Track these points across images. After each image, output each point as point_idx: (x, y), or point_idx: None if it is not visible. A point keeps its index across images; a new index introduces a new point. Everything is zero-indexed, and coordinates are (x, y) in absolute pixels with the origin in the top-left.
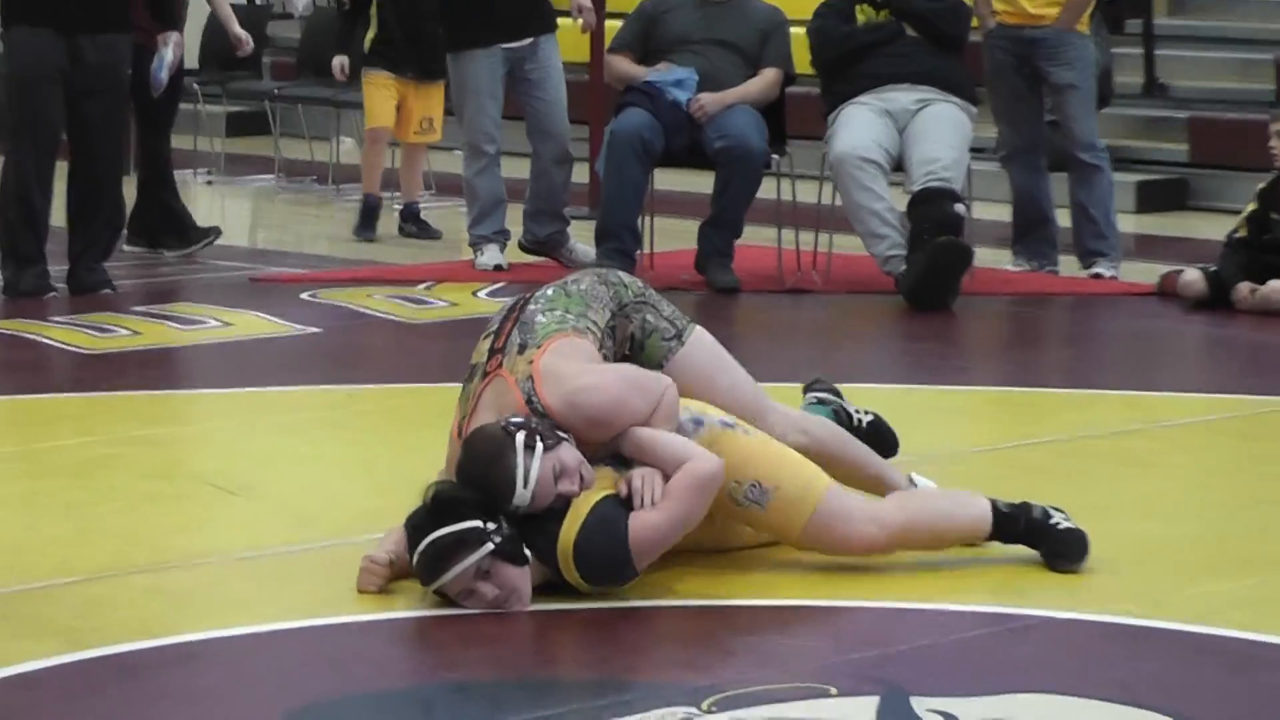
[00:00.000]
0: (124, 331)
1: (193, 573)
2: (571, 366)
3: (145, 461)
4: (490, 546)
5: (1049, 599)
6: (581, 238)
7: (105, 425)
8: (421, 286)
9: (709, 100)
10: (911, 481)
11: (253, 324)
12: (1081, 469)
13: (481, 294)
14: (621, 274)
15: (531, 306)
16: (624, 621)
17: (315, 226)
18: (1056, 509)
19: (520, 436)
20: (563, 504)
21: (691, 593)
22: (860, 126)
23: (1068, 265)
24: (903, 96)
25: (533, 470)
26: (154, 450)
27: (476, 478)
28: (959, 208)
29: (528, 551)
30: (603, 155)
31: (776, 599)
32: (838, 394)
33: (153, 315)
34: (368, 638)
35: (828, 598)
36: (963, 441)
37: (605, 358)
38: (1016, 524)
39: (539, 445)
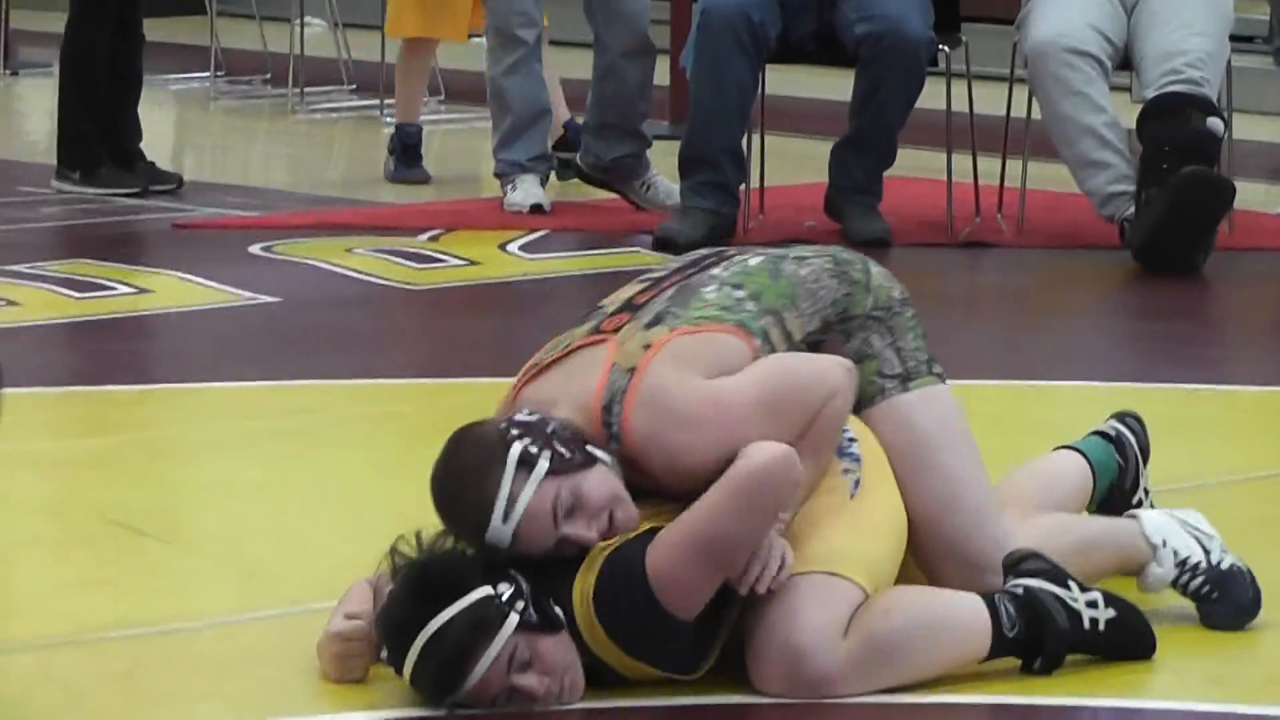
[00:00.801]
0: None
1: (94, 652)
2: (691, 382)
3: (27, 492)
4: (516, 620)
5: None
6: (663, 164)
7: None
8: (425, 237)
9: None
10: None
11: (179, 290)
12: None
13: (513, 246)
14: (877, 269)
15: (716, 270)
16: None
17: (269, 147)
18: (1084, 588)
19: (517, 448)
20: (575, 552)
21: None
22: (1070, 5)
23: None
24: None
25: (520, 499)
26: (38, 474)
27: (441, 498)
28: (1214, 123)
29: (559, 610)
30: (690, 44)
31: (941, 695)
32: (1140, 446)
33: (34, 277)
34: None
35: (1021, 693)
36: (1219, 466)
37: None
38: (1030, 644)
39: (541, 464)
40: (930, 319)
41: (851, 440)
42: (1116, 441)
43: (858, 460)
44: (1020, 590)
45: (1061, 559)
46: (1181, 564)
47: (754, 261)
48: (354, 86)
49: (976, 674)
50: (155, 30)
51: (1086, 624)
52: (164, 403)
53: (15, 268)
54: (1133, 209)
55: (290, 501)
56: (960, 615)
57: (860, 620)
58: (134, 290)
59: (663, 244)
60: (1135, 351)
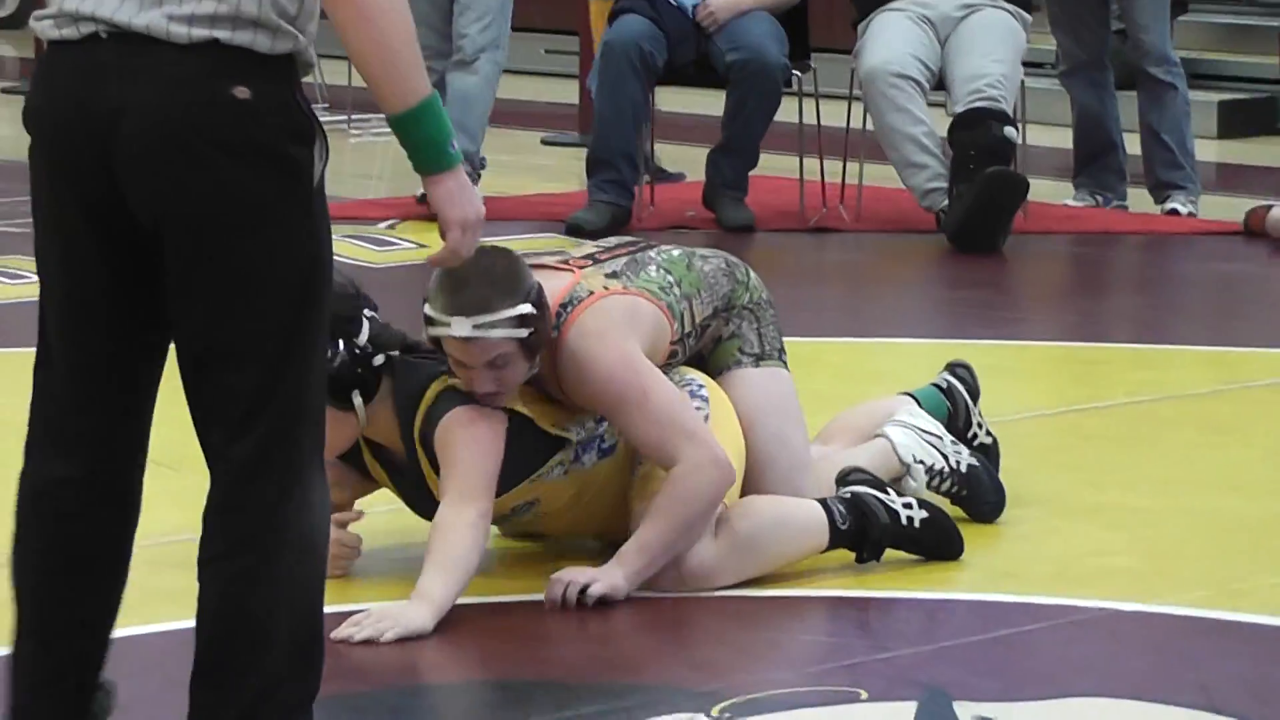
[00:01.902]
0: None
1: None
2: (624, 331)
3: None
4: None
5: (1112, 588)
6: (572, 167)
7: (16, 388)
8: (383, 225)
9: (719, 5)
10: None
11: None
12: (1152, 436)
13: None
14: (754, 275)
15: (652, 254)
16: (623, 614)
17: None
18: (900, 493)
19: (524, 305)
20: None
21: None
22: (895, 37)
23: (1137, 200)
24: (945, 1)
25: (496, 330)
26: None
27: (459, 273)
28: (1010, 132)
29: (356, 402)
30: (595, 70)
31: (797, 589)
32: (969, 391)
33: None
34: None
35: (856, 588)
36: (1015, 405)
37: (674, 353)
38: (860, 538)
39: (524, 331)
40: (787, 289)
41: (700, 385)
42: (947, 391)
43: (705, 400)
44: (848, 494)
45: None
46: (929, 471)
47: (675, 253)
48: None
49: (815, 571)
50: None
51: (904, 520)
52: (170, 359)
53: None
54: (946, 201)
55: None
56: (802, 514)
57: (723, 524)
58: None
59: (574, 229)
60: (950, 314)
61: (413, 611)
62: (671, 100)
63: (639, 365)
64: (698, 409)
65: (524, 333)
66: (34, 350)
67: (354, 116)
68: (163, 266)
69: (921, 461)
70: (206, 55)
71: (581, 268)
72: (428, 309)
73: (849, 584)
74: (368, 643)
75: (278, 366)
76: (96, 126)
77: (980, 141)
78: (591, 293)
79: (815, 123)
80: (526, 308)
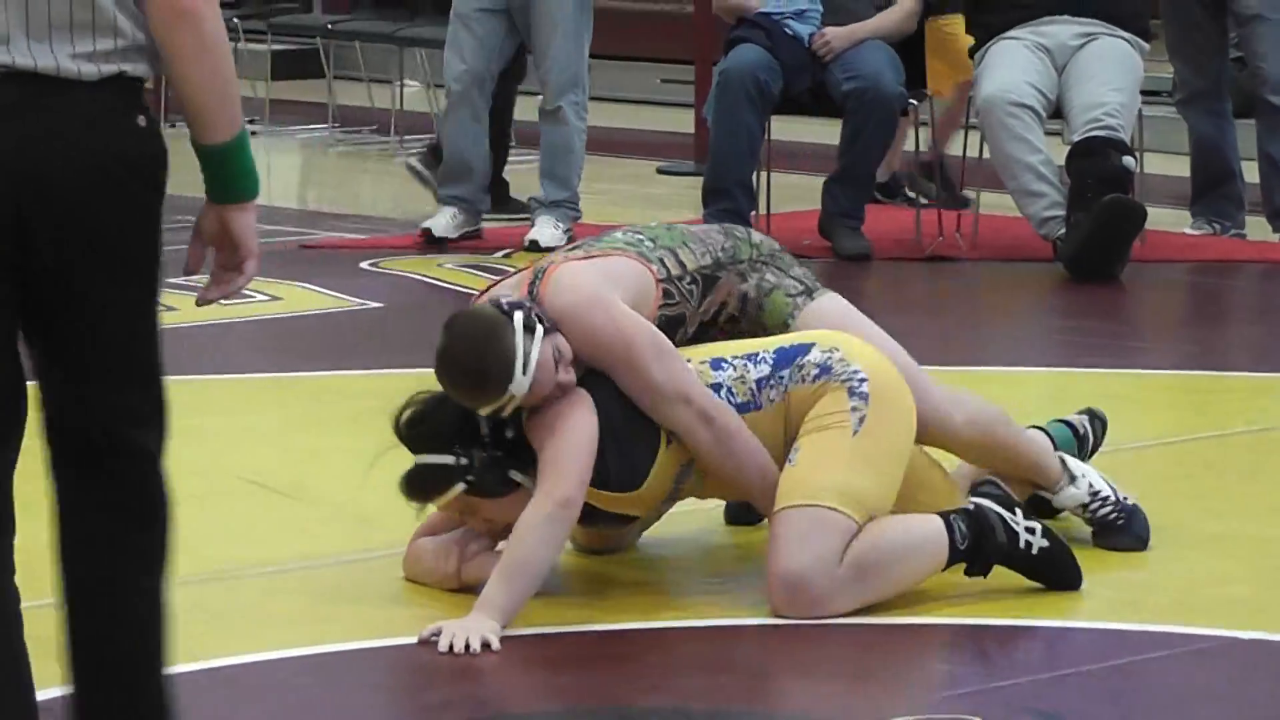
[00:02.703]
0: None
1: (234, 585)
2: (594, 283)
3: (180, 457)
4: (461, 487)
5: (1233, 617)
6: (688, 196)
7: None
8: (499, 254)
9: (836, 35)
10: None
11: (304, 298)
12: (1272, 465)
13: None
14: (755, 233)
15: (619, 230)
16: (732, 640)
17: (375, 183)
18: (1028, 516)
19: (518, 316)
20: (563, 394)
21: None
22: (1012, 65)
23: (1255, 228)
24: (1063, 30)
25: (533, 353)
26: (190, 444)
27: (466, 364)
28: (1128, 161)
29: (519, 477)
30: (711, 100)
31: (916, 616)
32: (1094, 447)
33: (189, 288)
34: (438, 662)
35: (975, 616)
36: (1134, 434)
37: (669, 293)
38: (974, 553)
39: (539, 327)
40: (903, 317)
41: (862, 380)
42: (1081, 440)
43: (865, 399)
44: (972, 506)
45: (995, 442)
46: (1095, 494)
47: (653, 224)
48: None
49: (934, 598)
50: (284, 91)
51: (1022, 544)
52: (288, 387)
53: (173, 280)
54: (1064, 229)
55: (392, 465)
56: (926, 536)
57: (851, 550)
58: (268, 298)
59: None
60: (1066, 343)
61: (477, 629)
62: (787, 130)
63: (631, 329)
64: (854, 409)
65: (542, 326)
66: None
67: (405, 138)
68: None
69: (1091, 481)
70: (114, 89)
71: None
72: (485, 409)
73: (968, 612)
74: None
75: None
76: (8, 164)
77: (1098, 170)
78: (552, 263)
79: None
80: (520, 316)
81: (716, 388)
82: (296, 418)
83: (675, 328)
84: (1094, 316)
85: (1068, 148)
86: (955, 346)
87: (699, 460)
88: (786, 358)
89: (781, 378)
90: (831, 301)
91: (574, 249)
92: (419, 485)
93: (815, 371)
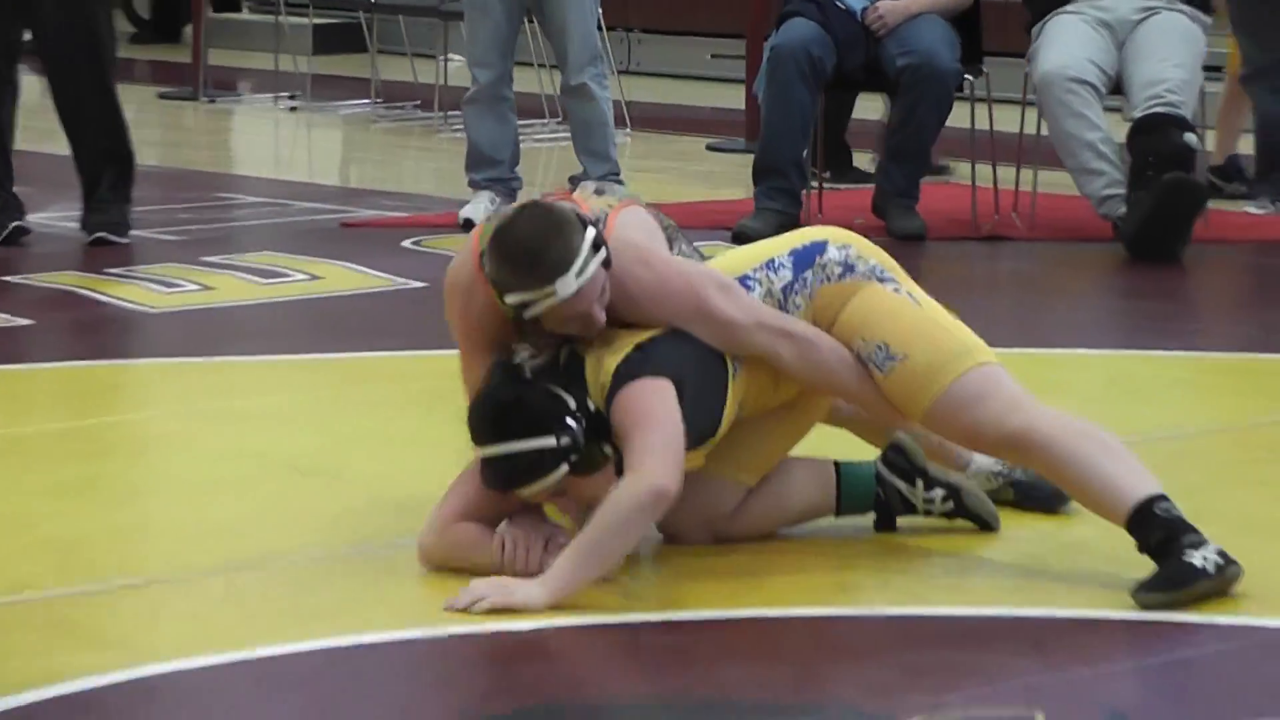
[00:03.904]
0: (193, 286)
1: (270, 574)
2: (646, 236)
3: (216, 441)
4: (564, 469)
5: None
6: (739, 174)
7: (169, 398)
8: None
9: (889, 9)
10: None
11: (344, 277)
12: None
13: None
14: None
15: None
16: (787, 631)
17: (419, 160)
18: (1221, 552)
19: (591, 231)
20: (585, 329)
21: (866, 600)
22: (1071, 41)
23: None
24: (1123, 4)
25: (590, 267)
26: (227, 427)
27: (528, 240)
28: (1190, 138)
29: (609, 450)
30: (761, 76)
31: (968, 607)
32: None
33: (226, 267)
34: (489, 650)
35: (1030, 606)
36: (1196, 419)
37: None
38: (1151, 534)
39: (602, 251)
40: (957, 299)
41: (884, 270)
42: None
43: (896, 281)
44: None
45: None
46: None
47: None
48: None
49: (984, 588)
50: (326, 65)
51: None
52: (328, 368)
53: (211, 259)
54: (1124, 208)
55: (432, 448)
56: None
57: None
58: (308, 277)
59: (740, 238)
60: (1126, 324)
61: (525, 589)
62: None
63: (687, 278)
64: (896, 290)
65: (605, 254)
66: (192, 360)
67: (450, 114)
68: None
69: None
70: None
71: (570, 194)
72: (517, 296)
73: (1021, 601)
74: (464, 611)
75: None
76: None
77: (1159, 148)
78: (606, 215)
79: (988, 128)
80: (592, 232)
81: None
82: (335, 400)
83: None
84: (1154, 298)
85: (1129, 125)
86: (1011, 328)
87: (788, 374)
88: (805, 258)
89: (805, 279)
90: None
91: (600, 193)
92: (521, 473)
93: (839, 270)
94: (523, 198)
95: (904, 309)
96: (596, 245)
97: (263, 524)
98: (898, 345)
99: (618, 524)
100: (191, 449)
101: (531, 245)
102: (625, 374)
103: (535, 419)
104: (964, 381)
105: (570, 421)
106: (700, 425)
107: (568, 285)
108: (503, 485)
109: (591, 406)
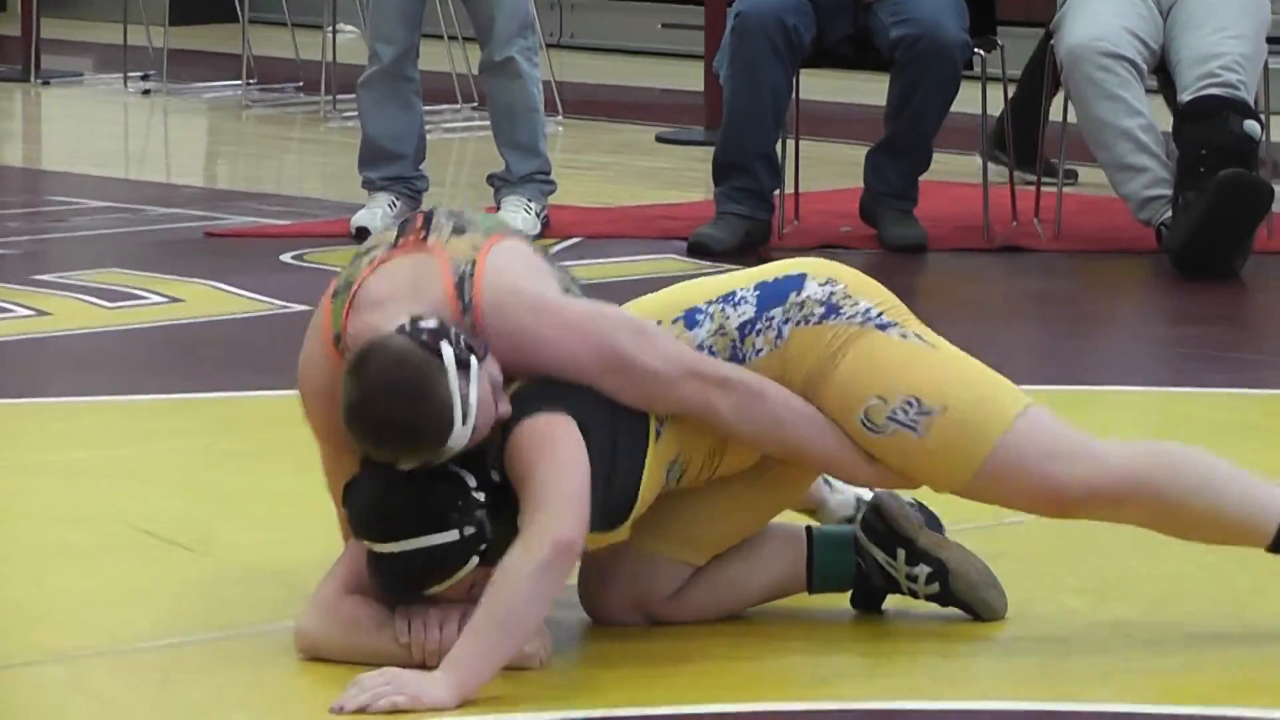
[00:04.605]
0: (23, 311)
1: (127, 663)
2: (530, 276)
3: (56, 501)
4: (475, 562)
5: None
6: (696, 171)
7: None
8: None
9: None
10: None
11: (211, 299)
12: None
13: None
14: None
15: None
16: None
17: (301, 155)
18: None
19: (447, 350)
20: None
21: (848, 692)
22: (1105, 8)
23: None
24: None
25: (471, 396)
26: (70, 485)
27: (394, 421)
28: (1251, 126)
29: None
30: (723, 50)
31: (972, 700)
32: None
33: (64, 287)
34: None
35: (1047, 698)
36: (1259, 466)
37: None
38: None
39: (471, 359)
40: (968, 325)
41: (880, 313)
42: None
43: (896, 324)
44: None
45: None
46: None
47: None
48: None
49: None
50: (186, 38)
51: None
52: (195, 411)
53: (46, 277)
54: (1170, 213)
55: (321, 510)
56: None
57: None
58: (166, 299)
59: (697, 250)
60: (1174, 356)
61: (429, 683)
62: (820, 87)
63: (592, 324)
64: (903, 337)
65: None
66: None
67: (340, 98)
68: None
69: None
70: None
71: (423, 239)
72: (411, 462)
73: (1039, 694)
74: (360, 712)
75: None
76: None
77: (1214, 138)
78: (474, 262)
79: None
80: (450, 354)
81: (697, 350)
82: (199, 452)
83: None
84: (1207, 323)
85: (1176, 110)
86: (1033, 361)
87: (734, 438)
88: (775, 294)
89: (771, 319)
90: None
91: (459, 230)
92: (423, 574)
93: (820, 310)
94: (429, 202)
95: (920, 355)
96: (463, 362)
97: (114, 602)
98: (931, 397)
99: (521, 592)
100: (26, 511)
101: (400, 422)
102: (515, 414)
103: (431, 512)
104: (1016, 433)
105: (473, 505)
106: (610, 499)
107: (461, 437)
108: (402, 589)
109: (495, 476)
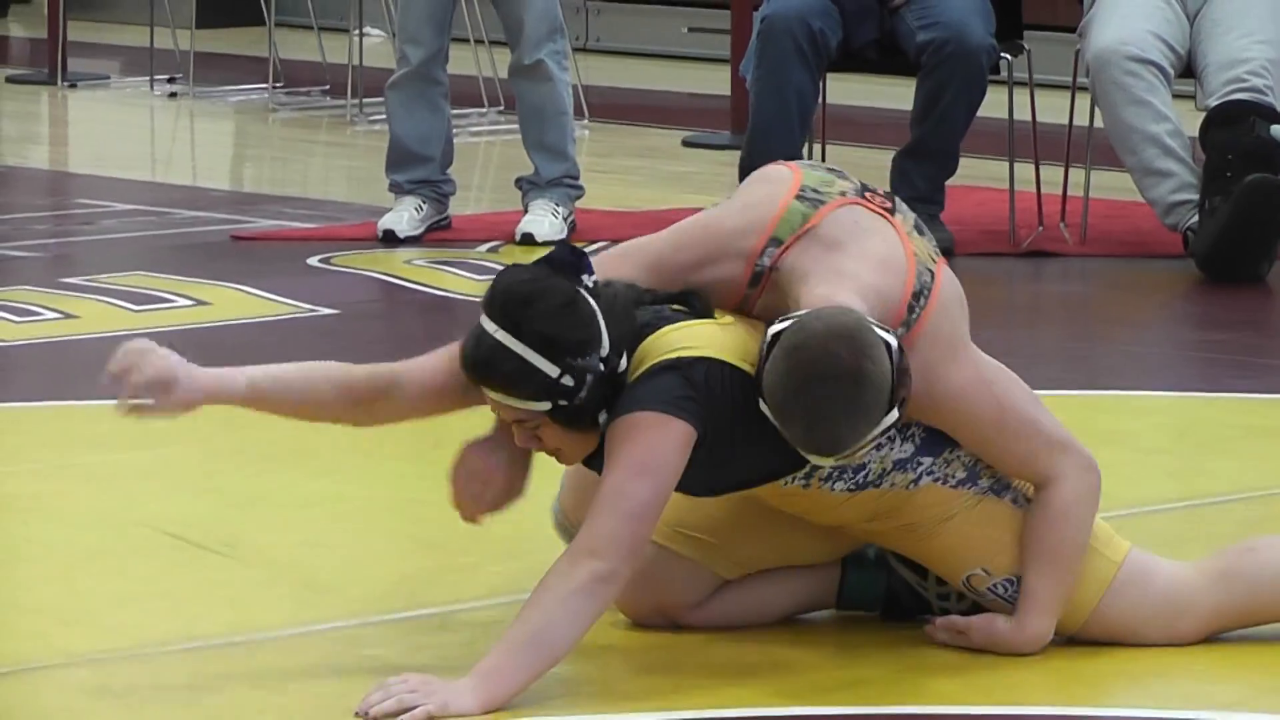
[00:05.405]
0: (51, 314)
1: (153, 665)
2: (964, 331)
3: (84, 504)
4: (546, 406)
5: None
6: (722, 175)
7: (25, 451)
8: (484, 248)
9: None
10: None
11: (237, 302)
12: None
13: None
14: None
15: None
16: None
17: (327, 158)
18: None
19: (896, 413)
20: None
21: (875, 697)
22: (1133, 12)
23: None
24: None
25: (864, 451)
26: (96, 488)
27: (819, 411)
28: (1278, 130)
29: (602, 419)
30: (750, 54)
31: (1000, 706)
32: None
33: (92, 290)
34: None
35: (1077, 703)
36: None
37: None
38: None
39: (893, 415)
40: (994, 329)
41: (1003, 479)
42: None
43: (1011, 491)
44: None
45: None
46: None
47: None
48: None
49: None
50: (213, 41)
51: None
52: (221, 415)
53: (73, 280)
54: (1196, 218)
55: (347, 514)
56: None
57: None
58: (192, 302)
59: None
60: (1200, 361)
61: (456, 691)
62: (847, 91)
63: (993, 385)
64: (991, 491)
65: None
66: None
67: (366, 102)
68: None
69: None
70: None
71: (889, 210)
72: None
73: (1070, 699)
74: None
75: None
76: None
77: (1241, 143)
78: (933, 273)
79: (1030, 119)
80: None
81: (858, 469)
82: (227, 454)
83: None
84: (1234, 328)
85: (1203, 115)
86: (1059, 365)
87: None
88: (937, 444)
89: (920, 464)
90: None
91: (919, 230)
92: (500, 373)
93: (961, 475)
94: (455, 206)
95: (1013, 516)
96: (890, 426)
97: (139, 605)
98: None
99: (556, 612)
100: (54, 514)
101: (816, 417)
102: (640, 396)
103: (554, 338)
104: (1113, 591)
105: (588, 365)
106: (698, 482)
107: (820, 461)
108: (476, 370)
109: (622, 365)
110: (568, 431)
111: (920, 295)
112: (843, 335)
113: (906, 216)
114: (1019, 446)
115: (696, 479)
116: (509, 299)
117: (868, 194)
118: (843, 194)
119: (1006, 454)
